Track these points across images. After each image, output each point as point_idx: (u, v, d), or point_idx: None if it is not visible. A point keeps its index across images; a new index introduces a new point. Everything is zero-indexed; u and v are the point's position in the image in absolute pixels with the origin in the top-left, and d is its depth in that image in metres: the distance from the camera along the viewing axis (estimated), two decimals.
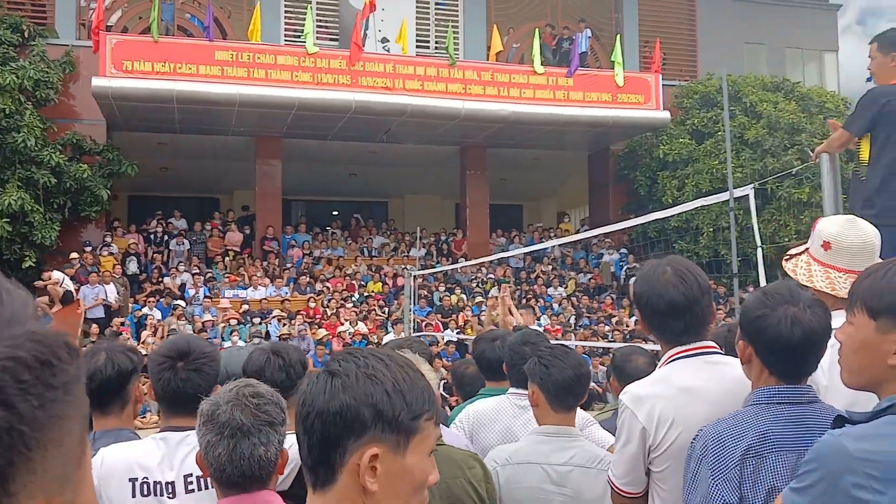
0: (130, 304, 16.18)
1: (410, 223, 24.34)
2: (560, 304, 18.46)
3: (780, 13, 23.29)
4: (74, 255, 16.18)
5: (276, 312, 16.53)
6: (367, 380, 1.15)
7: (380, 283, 19.11)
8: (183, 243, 18.66)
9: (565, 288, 19.72)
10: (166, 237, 18.80)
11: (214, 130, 18.74)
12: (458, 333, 16.50)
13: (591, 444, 2.68)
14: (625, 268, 20.53)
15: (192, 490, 2.27)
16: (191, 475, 2.28)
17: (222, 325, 15.84)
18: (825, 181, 4.37)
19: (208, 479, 2.31)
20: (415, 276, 14.69)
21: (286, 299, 17.24)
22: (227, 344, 15.25)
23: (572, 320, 17.54)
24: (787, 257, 2.50)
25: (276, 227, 19.64)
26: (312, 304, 17.16)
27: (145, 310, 15.89)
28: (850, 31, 71.75)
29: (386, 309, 17.84)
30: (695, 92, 20.63)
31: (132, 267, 17.39)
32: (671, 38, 22.01)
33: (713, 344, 2.24)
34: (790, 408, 1.86)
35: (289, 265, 18.99)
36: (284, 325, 16.25)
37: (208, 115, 17.48)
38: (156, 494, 2.25)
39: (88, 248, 16.82)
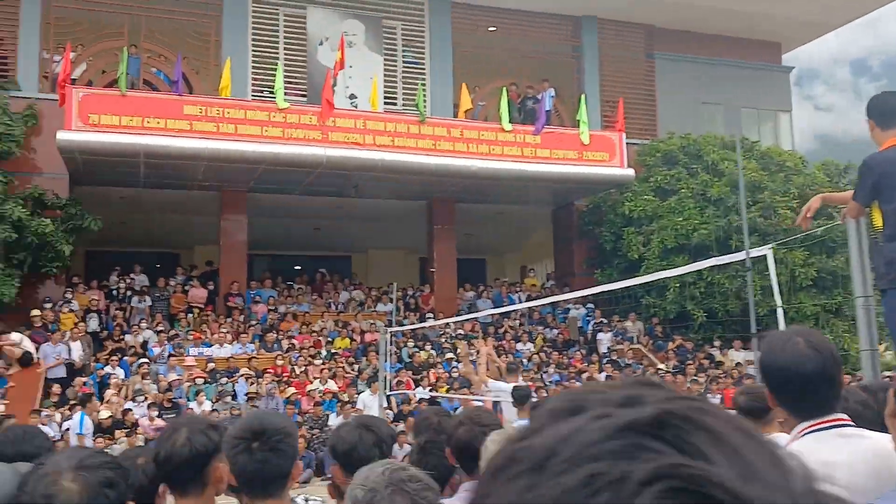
0: (93, 364, 15.65)
1: (374, 278, 24.21)
2: (530, 360, 18.40)
3: (735, 74, 24.11)
4: (36, 312, 15.65)
5: (243, 371, 16.15)
6: None
7: (347, 340, 18.85)
8: (145, 300, 18.23)
9: (534, 343, 19.70)
10: (128, 293, 18.32)
11: (179, 185, 18.50)
12: (430, 391, 16.29)
13: None
14: (591, 322, 20.64)
15: None
16: None
17: (188, 384, 15.41)
18: (851, 243, 4.43)
19: None
20: (390, 333, 14.50)
21: (253, 357, 16.89)
22: (192, 405, 14.84)
23: (544, 377, 17.47)
24: None
25: (240, 282, 19.33)
26: (280, 362, 16.81)
27: (108, 368, 15.39)
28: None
29: (356, 366, 17.57)
30: (657, 150, 21.12)
31: (93, 324, 16.89)
32: (631, 97, 22.55)
33: (846, 417, 2.19)
34: None
35: (253, 321, 18.64)
36: (252, 383, 15.88)
37: (175, 170, 17.26)
38: None
39: (49, 305, 16.30)
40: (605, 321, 20.35)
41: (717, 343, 18.99)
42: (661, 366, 18.05)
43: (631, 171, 19.80)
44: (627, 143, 19.96)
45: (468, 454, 2.69)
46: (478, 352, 11.53)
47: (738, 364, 18.48)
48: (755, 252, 6.29)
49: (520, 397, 6.95)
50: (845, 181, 20.75)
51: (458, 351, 15.02)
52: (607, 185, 20.35)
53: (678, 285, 18.63)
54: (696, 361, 17.99)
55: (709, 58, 24.09)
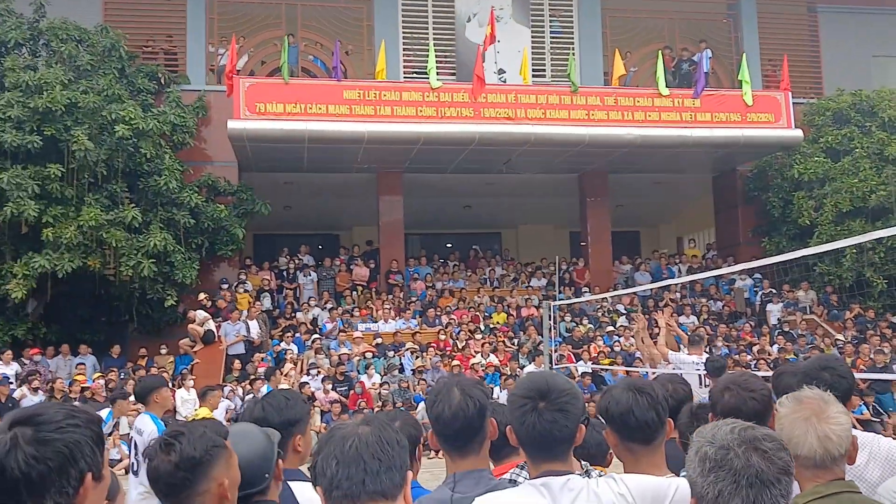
0: (269, 340, 16.45)
1: (525, 253, 24.15)
2: (695, 333, 17.76)
3: None
4: (203, 295, 16.53)
5: (408, 345, 16.55)
6: None
7: (504, 314, 18.91)
8: (312, 278, 18.97)
9: (698, 316, 19.04)
10: (296, 273, 19.13)
11: (339, 168, 19.07)
12: (592, 364, 16.11)
13: None
14: (759, 293, 19.72)
15: None
16: None
17: (357, 358, 15.93)
18: None
19: None
20: (554, 309, 14.37)
21: (416, 332, 17.24)
22: (362, 378, 15.34)
23: (713, 351, 16.84)
24: None
25: (399, 260, 19.76)
26: (442, 337, 17.09)
27: (283, 344, 16.13)
28: None
29: (515, 340, 17.61)
30: (826, 109, 19.80)
31: (266, 303, 17.75)
32: (794, 55, 21.20)
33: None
34: None
35: (413, 298, 19.03)
36: (418, 357, 16.24)
37: (335, 153, 17.79)
38: None
39: (225, 286, 17.24)
40: (774, 291, 19.39)
41: None
42: (839, 336, 17.02)
43: (799, 132, 18.66)
44: (793, 103, 18.82)
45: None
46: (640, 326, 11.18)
47: None
48: None
49: (714, 369, 6.68)
50: None
51: (633, 325, 14.70)
52: (773, 148, 19.28)
53: (855, 251, 17.46)
54: (877, 331, 16.83)
55: (877, 7, 22.29)
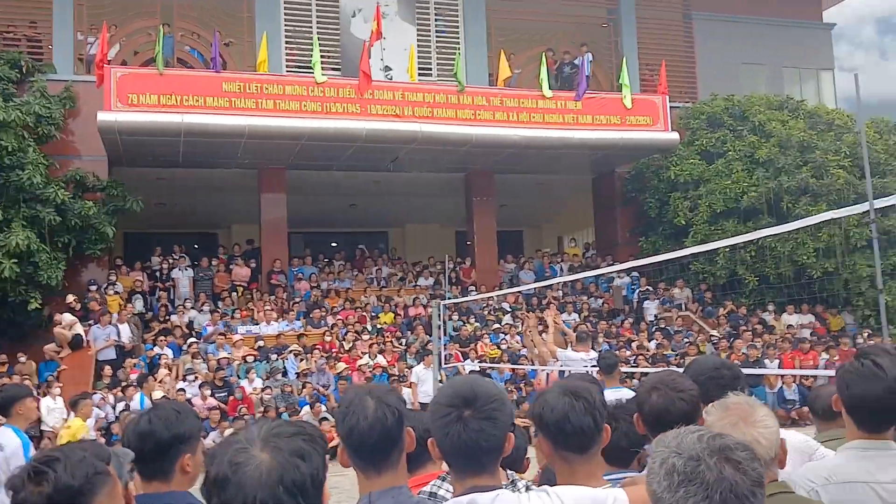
0: (142, 345, 15.59)
1: (411, 252, 24.02)
2: (576, 330, 18.08)
3: (775, 33, 23.42)
4: (72, 297, 15.50)
5: (292, 347, 16.05)
6: None
7: (391, 314, 18.68)
8: (188, 278, 18.15)
9: (579, 314, 19.41)
10: (170, 274, 18.23)
11: (218, 164, 18.33)
12: (479, 363, 16.11)
13: None
14: (637, 291, 20.30)
15: None
16: None
17: (238, 362, 15.32)
18: None
19: None
20: (442, 308, 14.26)
21: (301, 334, 16.76)
22: (243, 383, 14.76)
23: (594, 346, 17.17)
24: None
25: (282, 260, 19.19)
26: (328, 338, 16.68)
27: (157, 349, 15.32)
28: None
29: (403, 340, 17.41)
30: (701, 113, 20.61)
31: (138, 305, 16.85)
32: (670, 60, 21.96)
33: None
34: None
35: (297, 298, 18.52)
36: (302, 360, 15.78)
37: (214, 148, 17.08)
38: None
39: (94, 288, 16.23)
40: (651, 289, 20.01)
41: (770, 308, 18.58)
42: (714, 332, 17.71)
43: (676, 135, 19.34)
44: (670, 107, 19.47)
45: (664, 422, 2.44)
46: (523, 323, 11.27)
47: (789, 326, 18.13)
48: (880, 203, 5.85)
49: (607, 366, 6.68)
50: (893, 139, 20.18)
51: (524, 324, 14.79)
52: (651, 151, 19.90)
53: (728, 251, 18.21)
54: (749, 326, 17.62)
55: (748, 16, 23.40)
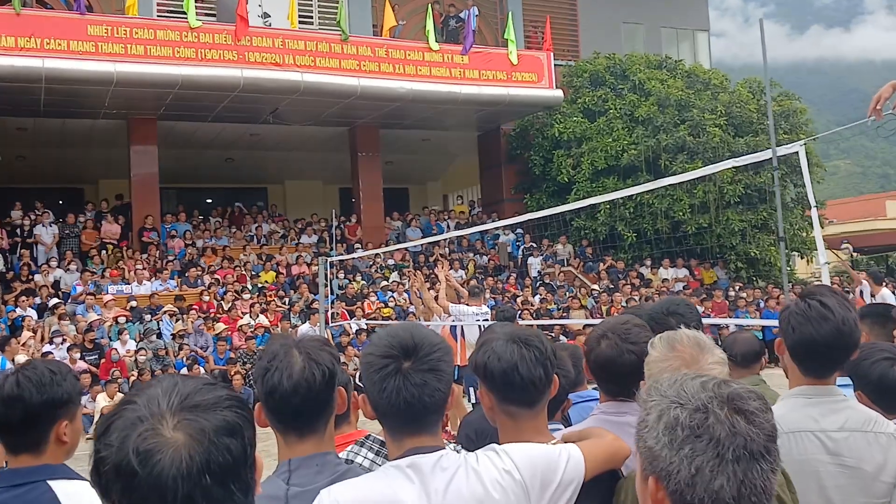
0: (2, 306, 14.42)
1: (293, 210, 23.33)
2: (464, 286, 18.07)
3: None
4: None
5: (167, 308, 15.24)
6: None
7: (273, 273, 18.07)
8: (52, 234, 16.90)
9: (465, 270, 19.40)
10: (33, 231, 16.92)
11: (83, 113, 17.11)
12: (367, 321, 15.83)
13: (859, 404, 2.25)
14: (521, 248, 20.47)
15: None
16: None
17: (109, 324, 14.42)
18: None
19: None
20: (331, 264, 13.85)
21: (177, 294, 15.95)
22: (115, 345, 13.91)
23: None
24: None
25: (154, 216, 18.18)
26: (206, 298, 15.96)
27: (19, 310, 14.20)
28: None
29: (286, 299, 16.87)
30: (584, 71, 20.79)
31: None
32: (554, 17, 22.00)
33: None
34: None
35: (171, 257, 17.62)
36: (178, 320, 15.02)
37: (79, 96, 15.88)
38: None
39: None
40: (534, 245, 20.22)
41: (647, 262, 19.14)
42: (595, 286, 18.08)
43: (560, 92, 19.44)
44: (554, 65, 19.52)
45: (611, 372, 2.23)
46: (409, 280, 11.06)
47: (664, 280, 18.74)
48: (783, 150, 5.87)
49: (505, 319, 6.56)
50: (764, 99, 21.02)
51: (411, 281, 14.56)
52: (536, 107, 19.95)
53: (608, 207, 18.58)
54: (628, 280, 18.10)
55: None
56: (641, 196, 18.11)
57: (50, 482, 1.96)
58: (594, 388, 2.57)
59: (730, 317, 15.01)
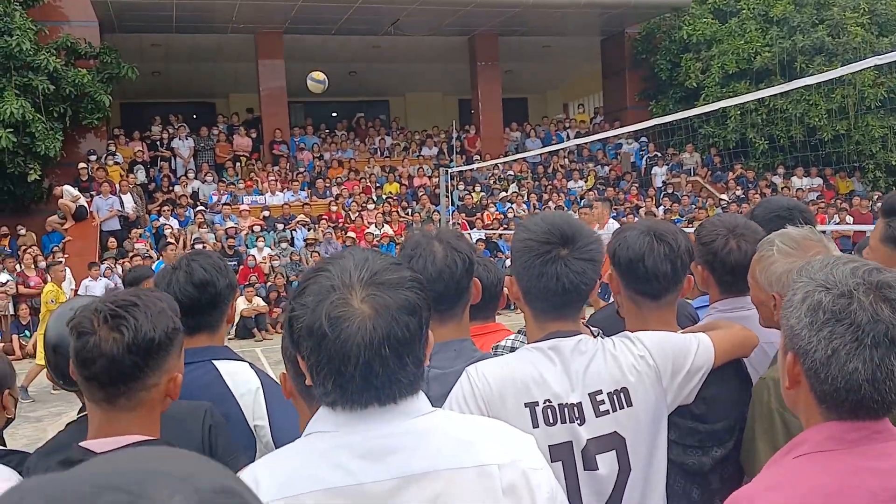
0: (146, 215, 15.45)
1: (413, 121, 23.51)
2: (583, 197, 17.95)
3: None
4: (83, 165, 15.29)
5: (299, 217, 15.94)
6: None
7: (396, 184, 18.47)
8: (189, 147, 17.81)
9: (585, 181, 19.19)
10: (171, 144, 17.88)
11: (212, 28, 17.66)
12: (485, 231, 16.04)
13: None
14: (645, 157, 19.99)
15: (606, 412, 1.75)
16: (599, 392, 1.75)
17: (245, 232, 15.23)
18: None
19: (622, 396, 1.80)
20: (451, 176, 14.02)
21: (306, 204, 16.61)
22: (252, 252, 14.70)
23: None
24: None
25: (283, 130, 18.79)
26: (334, 208, 16.55)
27: (161, 220, 15.19)
28: None
29: (408, 210, 17.27)
30: None
31: (140, 176, 16.60)
32: None
33: None
34: None
35: (301, 169, 18.26)
36: (309, 229, 15.70)
37: (208, 11, 16.41)
38: (564, 422, 1.73)
39: (93, 158, 15.94)
40: (659, 154, 19.69)
41: (779, 171, 18.32)
42: (723, 197, 17.53)
43: None
44: None
45: (733, 268, 2.23)
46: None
47: (798, 190, 17.94)
48: (883, 59, 5.35)
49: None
50: None
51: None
52: (663, 9, 19.10)
53: (739, 113, 17.77)
54: (758, 190, 17.43)
55: None
56: (774, 101, 17.21)
57: (215, 362, 2.19)
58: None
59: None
